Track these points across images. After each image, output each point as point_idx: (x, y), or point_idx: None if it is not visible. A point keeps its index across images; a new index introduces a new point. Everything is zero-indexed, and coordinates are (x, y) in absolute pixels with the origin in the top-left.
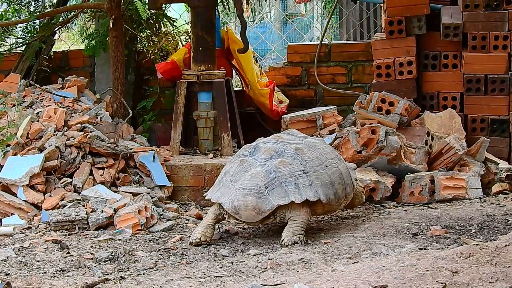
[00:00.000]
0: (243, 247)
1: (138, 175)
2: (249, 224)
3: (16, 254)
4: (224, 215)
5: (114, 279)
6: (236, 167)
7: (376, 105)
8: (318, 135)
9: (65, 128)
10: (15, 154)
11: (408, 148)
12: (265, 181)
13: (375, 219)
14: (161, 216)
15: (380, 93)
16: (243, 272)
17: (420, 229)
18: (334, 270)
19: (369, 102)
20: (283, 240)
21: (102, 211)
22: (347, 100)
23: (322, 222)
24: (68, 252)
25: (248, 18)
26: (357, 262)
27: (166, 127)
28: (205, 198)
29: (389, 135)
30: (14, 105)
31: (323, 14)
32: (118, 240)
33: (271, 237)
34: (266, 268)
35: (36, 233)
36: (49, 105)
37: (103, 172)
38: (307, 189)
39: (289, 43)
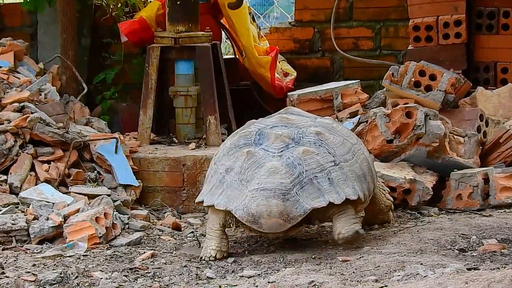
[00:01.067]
0: (235, 267)
1: (96, 171)
2: (270, 235)
3: None
4: (231, 224)
5: None
6: (242, 161)
7: (413, 79)
8: (336, 119)
9: None
10: None
11: (455, 136)
12: (290, 178)
13: (410, 230)
14: (126, 226)
15: (418, 63)
16: None
17: (470, 244)
18: None
19: (403, 75)
20: (339, 233)
21: (48, 219)
22: (374, 72)
23: None
24: (3, 273)
25: None
26: (386, 286)
27: (132, 107)
28: (203, 205)
29: (430, 119)
30: None
31: None
32: (69, 257)
33: (271, 253)
34: None
35: None
36: None
37: (49, 166)
38: (343, 185)
39: None
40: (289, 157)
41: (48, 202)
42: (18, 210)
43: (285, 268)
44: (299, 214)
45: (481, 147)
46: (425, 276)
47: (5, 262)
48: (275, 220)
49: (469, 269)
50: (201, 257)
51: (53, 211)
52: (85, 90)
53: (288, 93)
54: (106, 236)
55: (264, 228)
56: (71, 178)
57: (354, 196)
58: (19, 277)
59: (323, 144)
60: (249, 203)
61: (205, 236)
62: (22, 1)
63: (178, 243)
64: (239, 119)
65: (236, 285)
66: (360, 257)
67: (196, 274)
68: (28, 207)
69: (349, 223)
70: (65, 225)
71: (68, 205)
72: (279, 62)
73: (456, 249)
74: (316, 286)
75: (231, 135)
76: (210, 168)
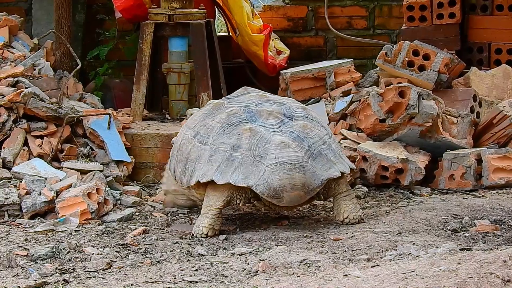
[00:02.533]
0: (227, 244)
1: (88, 147)
2: (287, 209)
3: None
4: (238, 201)
5: (55, 282)
6: (248, 138)
7: (407, 59)
8: (329, 98)
9: None
10: None
11: (448, 116)
12: (302, 150)
13: (402, 210)
14: (118, 202)
15: (412, 42)
16: (226, 276)
17: (462, 224)
18: (346, 275)
19: (397, 54)
20: (346, 217)
21: (40, 194)
22: (368, 51)
23: (331, 212)
24: None
25: None
26: (378, 265)
27: (125, 83)
28: (218, 183)
29: (423, 98)
30: None
31: None
32: (61, 232)
33: (263, 231)
34: (257, 271)
35: None
36: None
37: (42, 141)
38: (343, 156)
39: None
40: (292, 131)
41: (40, 177)
42: (11, 184)
43: (277, 246)
44: (317, 185)
45: (474, 128)
46: (417, 256)
47: None
48: (297, 193)
49: (461, 250)
50: (193, 234)
51: (45, 186)
52: (79, 66)
53: (281, 71)
54: (98, 212)
55: (284, 202)
56: (64, 153)
57: (353, 165)
58: (11, 251)
59: (313, 118)
60: (269, 177)
61: (195, 213)
62: None
63: (169, 220)
64: None
65: (227, 262)
66: (352, 236)
67: (188, 251)
68: (21, 181)
69: (356, 208)
70: (57, 200)
71: (61, 180)
72: (273, 40)
73: (449, 230)
74: (308, 264)
75: (206, 114)
76: (200, 148)
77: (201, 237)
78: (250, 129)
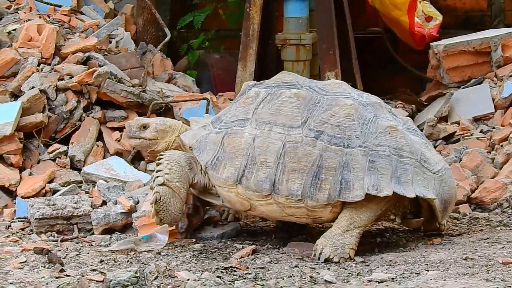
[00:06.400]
0: (362, 268)
1: None
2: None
3: None
4: (392, 216)
5: None
6: (403, 139)
7: None
8: (495, 78)
9: (57, 58)
10: None
11: None
12: (436, 154)
13: None
14: (218, 213)
15: None
16: None
17: None
18: None
19: None
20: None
21: (117, 202)
22: None
23: (498, 228)
24: (62, 270)
25: None
26: None
27: (227, 60)
28: (408, 196)
29: None
30: None
31: None
32: (146, 251)
33: (409, 252)
34: None
35: (7, 236)
36: (29, 19)
37: (121, 135)
38: None
39: None
40: (414, 129)
41: (118, 180)
42: (82, 190)
43: (427, 271)
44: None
45: None
46: None
47: (65, 257)
48: (453, 205)
49: None
50: (330, 258)
51: (124, 192)
52: (168, 37)
53: (431, 43)
54: (191, 225)
55: (444, 216)
56: None
57: None
58: (83, 276)
59: None
60: (439, 188)
61: (316, 229)
62: None
63: (285, 237)
64: (366, 76)
65: None
66: None
67: (311, 277)
68: (94, 186)
69: None
70: (134, 214)
71: (144, 185)
72: (420, 2)
73: None
74: None
75: (303, 108)
76: (342, 152)
77: (346, 261)
78: (396, 128)
